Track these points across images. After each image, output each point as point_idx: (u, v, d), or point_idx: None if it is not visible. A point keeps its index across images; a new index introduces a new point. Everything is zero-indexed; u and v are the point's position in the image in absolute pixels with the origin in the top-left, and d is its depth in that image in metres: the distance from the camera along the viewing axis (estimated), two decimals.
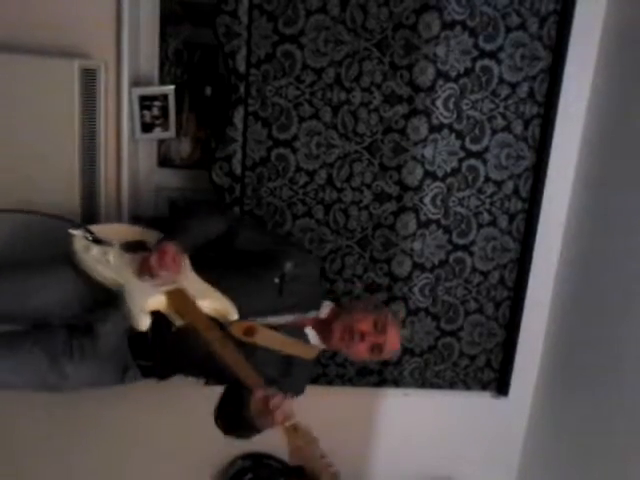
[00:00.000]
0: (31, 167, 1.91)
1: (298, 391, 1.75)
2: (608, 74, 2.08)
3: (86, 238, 1.65)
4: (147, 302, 1.47)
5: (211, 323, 1.45)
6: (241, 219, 1.81)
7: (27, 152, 1.90)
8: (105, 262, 1.60)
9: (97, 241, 1.66)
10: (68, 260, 1.63)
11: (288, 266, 1.69)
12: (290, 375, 1.70)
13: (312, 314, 1.75)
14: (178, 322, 1.47)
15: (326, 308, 1.77)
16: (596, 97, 2.13)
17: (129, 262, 1.60)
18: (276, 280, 1.68)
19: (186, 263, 1.64)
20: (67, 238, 1.64)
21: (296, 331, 1.71)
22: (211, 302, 1.54)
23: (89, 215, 2.00)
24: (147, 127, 2.10)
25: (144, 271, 1.53)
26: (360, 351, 1.68)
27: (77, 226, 1.69)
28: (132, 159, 2.14)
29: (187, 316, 1.46)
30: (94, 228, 1.72)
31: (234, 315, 1.53)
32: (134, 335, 1.53)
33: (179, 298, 1.49)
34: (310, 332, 1.74)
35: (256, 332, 1.61)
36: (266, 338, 1.63)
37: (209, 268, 1.68)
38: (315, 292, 1.79)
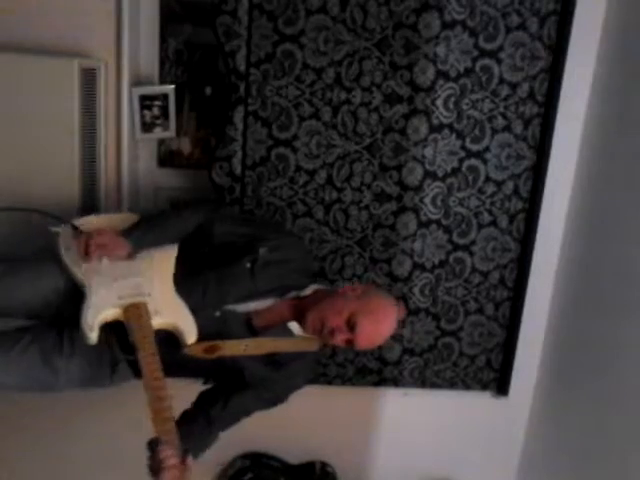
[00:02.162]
0: (31, 167, 1.92)
1: (296, 385, 1.71)
2: (608, 74, 2.08)
3: (71, 235, 1.64)
4: (98, 317, 1.46)
5: (155, 354, 1.41)
6: (220, 212, 1.77)
7: (27, 152, 1.91)
8: (79, 265, 1.59)
9: None
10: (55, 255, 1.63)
11: (262, 251, 1.65)
12: (282, 369, 1.65)
13: (292, 294, 1.67)
14: (130, 337, 1.46)
15: (309, 290, 1.68)
16: (596, 97, 2.12)
17: (107, 264, 1.59)
18: (247, 265, 1.64)
19: (168, 268, 1.63)
20: (54, 236, 1.64)
21: (279, 328, 1.64)
22: (169, 319, 1.52)
23: (89, 214, 2.00)
24: (147, 127, 2.11)
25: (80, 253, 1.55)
26: (334, 343, 1.58)
27: (62, 222, 1.67)
28: (132, 159, 2.14)
29: (135, 335, 1.44)
30: (83, 221, 1.71)
31: (190, 339, 1.50)
32: (123, 328, 1.50)
33: (136, 314, 1.48)
34: (293, 326, 1.64)
35: (220, 348, 1.57)
36: (235, 349, 1.59)
37: (191, 263, 1.67)
38: (297, 277, 1.70)
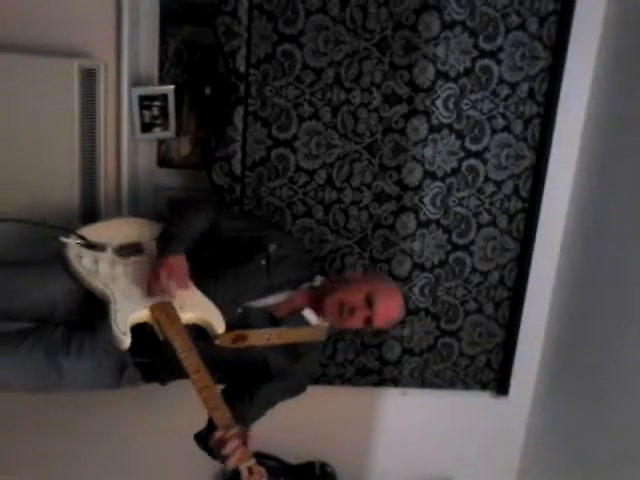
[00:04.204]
0: (31, 167, 1.92)
1: (312, 373, 1.81)
2: (608, 74, 2.08)
3: (79, 244, 1.65)
4: (129, 321, 1.47)
5: (192, 348, 1.45)
6: (221, 210, 1.82)
7: (27, 152, 1.91)
8: (94, 273, 1.60)
9: (90, 246, 1.66)
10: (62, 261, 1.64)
11: (272, 247, 1.73)
12: (300, 360, 1.72)
13: (305, 286, 1.76)
14: (160, 336, 1.48)
15: (318, 281, 1.79)
16: (596, 97, 2.12)
17: (121, 269, 1.62)
18: (263, 262, 1.71)
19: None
20: (60, 245, 1.64)
21: (295, 318, 1.72)
22: (197, 313, 1.55)
23: (89, 215, 2.01)
24: (147, 127, 2.11)
25: (153, 291, 1.54)
26: (353, 324, 1.69)
27: (69, 233, 1.67)
28: (132, 159, 2.14)
29: (167, 332, 1.46)
30: (88, 230, 1.72)
31: (220, 328, 1.55)
32: (132, 331, 1.52)
33: (164, 312, 1.50)
34: (308, 314, 1.73)
35: (246, 338, 1.62)
36: (259, 338, 1.64)
37: (203, 265, 1.69)
38: (303, 269, 1.81)
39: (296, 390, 1.77)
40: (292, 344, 1.70)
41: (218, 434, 1.34)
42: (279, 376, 1.70)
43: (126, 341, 1.45)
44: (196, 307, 1.57)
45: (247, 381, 1.70)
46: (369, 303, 1.65)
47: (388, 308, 1.70)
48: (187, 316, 1.53)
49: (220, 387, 1.71)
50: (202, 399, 1.37)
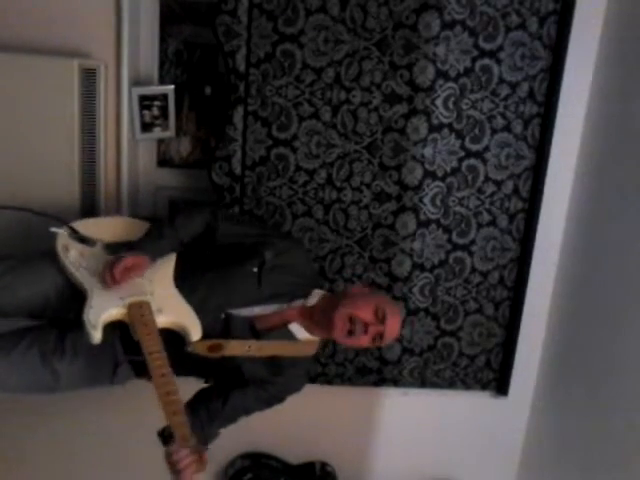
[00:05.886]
0: (31, 167, 1.92)
1: (295, 388, 1.72)
2: (608, 74, 2.08)
3: (70, 236, 1.65)
4: (101, 317, 1.46)
5: (161, 350, 1.42)
6: (222, 214, 1.75)
7: (27, 152, 1.91)
8: (78, 266, 1.59)
9: (81, 239, 1.65)
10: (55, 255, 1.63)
11: (268, 255, 1.65)
12: (282, 374, 1.66)
13: (298, 303, 1.67)
14: (134, 336, 1.46)
15: (315, 297, 1.68)
16: (596, 97, 2.12)
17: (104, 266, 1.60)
18: (254, 270, 1.64)
19: (167, 271, 1.63)
20: (52, 236, 1.64)
21: (279, 332, 1.64)
22: (173, 318, 1.52)
23: (89, 214, 2.01)
24: (147, 127, 2.11)
25: (103, 282, 1.53)
26: (362, 342, 1.59)
27: (61, 224, 1.67)
28: (132, 159, 2.14)
29: (139, 333, 1.44)
30: (82, 224, 1.71)
31: (195, 336, 1.51)
32: (125, 329, 1.51)
33: (139, 312, 1.48)
34: (295, 327, 1.65)
35: (223, 347, 1.57)
36: (238, 349, 1.59)
37: (194, 264, 1.68)
38: (302, 282, 1.70)
39: (270, 402, 1.71)
40: (274, 356, 1.64)
41: (175, 452, 1.31)
42: (255, 384, 1.66)
43: (96, 335, 1.43)
44: (174, 311, 1.54)
45: (222, 384, 1.67)
46: (381, 318, 1.57)
47: (397, 321, 1.62)
48: (162, 320, 1.50)
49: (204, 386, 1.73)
50: (163, 403, 1.34)
